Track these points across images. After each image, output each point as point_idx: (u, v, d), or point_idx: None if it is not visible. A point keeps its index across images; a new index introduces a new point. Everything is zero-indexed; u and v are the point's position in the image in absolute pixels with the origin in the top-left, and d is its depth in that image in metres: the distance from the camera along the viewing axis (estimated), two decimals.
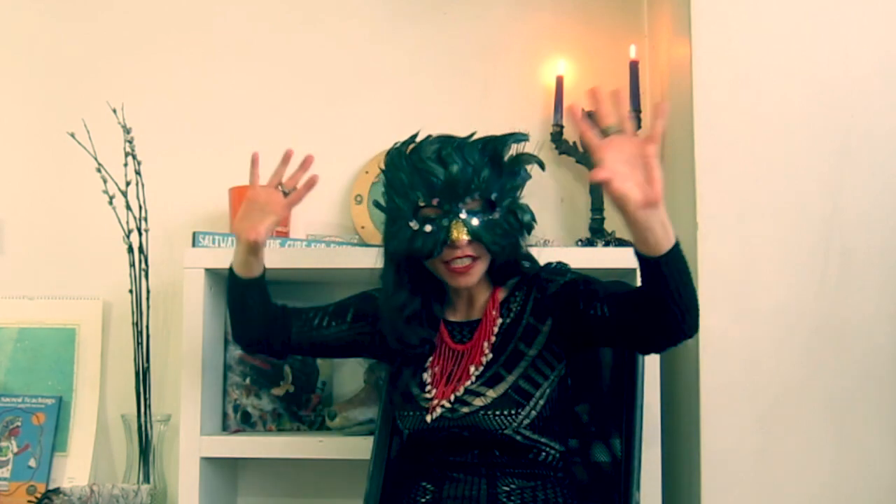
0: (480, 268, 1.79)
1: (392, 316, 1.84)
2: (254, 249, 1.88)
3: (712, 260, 1.99)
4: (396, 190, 1.80)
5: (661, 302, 1.56)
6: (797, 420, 1.95)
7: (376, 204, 1.90)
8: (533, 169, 1.84)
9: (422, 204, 1.76)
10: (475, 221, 1.74)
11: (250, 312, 1.93)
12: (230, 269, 1.92)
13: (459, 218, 1.74)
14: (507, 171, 1.79)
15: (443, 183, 1.75)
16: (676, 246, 1.53)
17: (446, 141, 1.79)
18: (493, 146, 1.78)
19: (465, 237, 1.73)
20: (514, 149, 1.81)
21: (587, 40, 2.53)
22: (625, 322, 1.66)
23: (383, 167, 1.84)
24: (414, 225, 1.76)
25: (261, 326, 1.94)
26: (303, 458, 2.28)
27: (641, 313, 1.61)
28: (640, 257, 1.55)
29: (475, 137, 1.80)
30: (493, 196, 1.77)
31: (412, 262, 1.82)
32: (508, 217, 1.77)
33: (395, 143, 1.83)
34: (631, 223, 1.50)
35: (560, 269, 1.85)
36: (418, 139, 1.81)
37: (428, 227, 1.75)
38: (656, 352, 1.76)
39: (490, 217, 1.76)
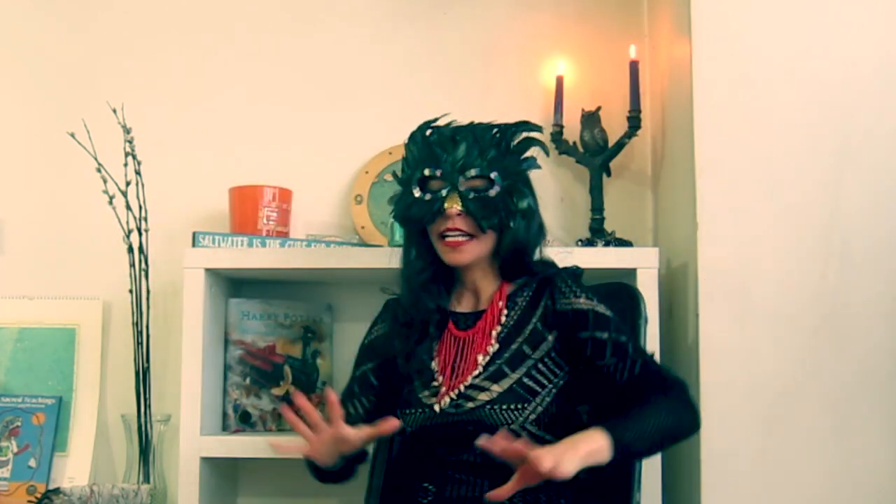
0: (475, 248, 1.81)
1: (411, 280, 1.87)
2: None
3: (712, 260, 1.99)
4: (408, 161, 1.88)
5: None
6: (797, 420, 1.95)
7: (393, 174, 1.97)
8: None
9: (427, 174, 1.82)
10: (471, 196, 1.79)
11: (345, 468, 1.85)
12: (311, 466, 1.83)
13: (458, 190, 1.79)
14: (513, 154, 1.84)
15: (449, 157, 1.81)
16: (616, 445, 1.60)
17: (465, 125, 1.87)
18: (504, 129, 1.85)
19: (457, 207, 1.78)
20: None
21: (587, 40, 2.53)
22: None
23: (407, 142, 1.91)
24: (416, 192, 1.82)
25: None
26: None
27: None
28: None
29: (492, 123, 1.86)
30: (494, 175, 1.81)
31: (425, 240, 1.85)
32: (506, 198, 1.80)
33: (423, 122, 1.90)
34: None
35: (575, 271, 1.88)
36: (442, 121, 1.88)
37: (427, 196, 1.81)
38: None
39: (486, 194, 1.79)
